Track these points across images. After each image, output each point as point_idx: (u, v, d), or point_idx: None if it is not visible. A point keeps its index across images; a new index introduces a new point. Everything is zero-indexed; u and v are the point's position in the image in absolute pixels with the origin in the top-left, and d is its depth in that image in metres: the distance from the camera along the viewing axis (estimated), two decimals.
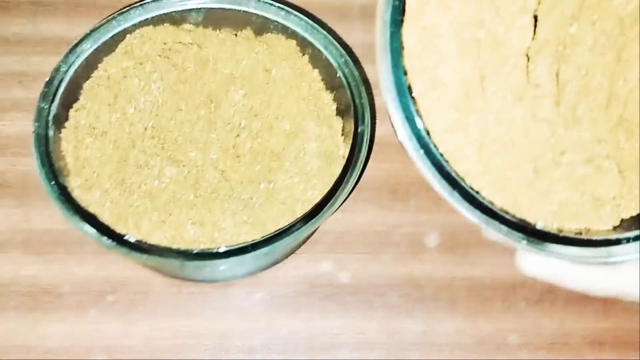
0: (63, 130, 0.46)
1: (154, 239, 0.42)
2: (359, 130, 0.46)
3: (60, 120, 0.46)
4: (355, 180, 0.45)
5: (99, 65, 0.48)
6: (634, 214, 0.34)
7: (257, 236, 0.42)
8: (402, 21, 0.32)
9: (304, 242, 0.51)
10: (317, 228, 0.51)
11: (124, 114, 0.46)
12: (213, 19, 0.51)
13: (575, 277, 0.35)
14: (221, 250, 0.41)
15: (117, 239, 0.41)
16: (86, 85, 0.48)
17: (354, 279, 0.51)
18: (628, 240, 0.33)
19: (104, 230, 0.41)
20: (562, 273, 0.35)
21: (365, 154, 0.46)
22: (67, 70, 0.46)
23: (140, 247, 0.41)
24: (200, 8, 0.51)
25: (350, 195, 0.54)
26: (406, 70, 0.32)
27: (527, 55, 0.34)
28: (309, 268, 0.51)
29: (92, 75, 0.48)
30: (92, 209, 0.43)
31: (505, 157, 0.33)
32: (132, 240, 0.41)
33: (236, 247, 0.41)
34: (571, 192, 0.34)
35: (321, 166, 0.46)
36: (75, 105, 0.47)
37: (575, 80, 0.35)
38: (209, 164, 0.45)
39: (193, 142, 0.47)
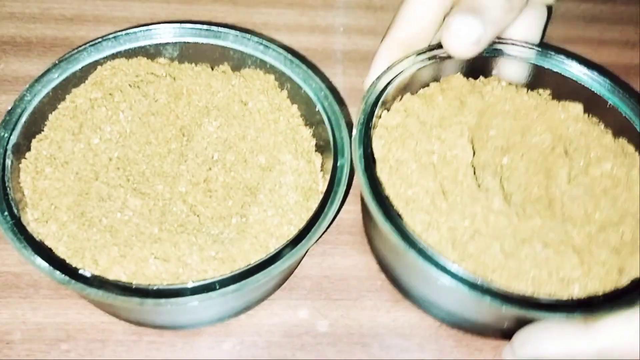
0: (23, 161, 0.43)
1: (112, 275, 0.38)
2: (338, 164, 0.44)
3: (21, 150, 0.43)
4: (333, 215, 0.42)
5: (67, 96, 0.46)
6: (600, 291, 0.40)
7: (226, 273, 0.39)
8: (374, 164, 0.44)
9: (279, 284, 0.47)
10: (294, 268, 0.48)
11: (88, 144, 0.43)
12: (189, 53, 0.50)
13: (556, 344, 0.40)
14: (185, 286, 0.37)
15: (72, 273, 0.37)
16: (51, 116, 0.45)
17: (333, 327, 0.47)
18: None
19: (58, 264, 0.38)
20: (545, 345, 0.40)
21: (344, 188, 0.43)
22: (31, 100, 0.44)
23: (95, 283, 0.37)
24: (175, 42, 0.49)
25: (331, 239, 0.51)
26: (387, 196, 0.42)
27: (473, 168, 0.45)
28: (285, 316, 0.47)
29: (58, 106, 0.45)
30: (47, 242, 0.40)
31: (476, 245, 0.41)
32: (87, 274, 0.37)
33: (202, 283, 0.37)
34: (540, 270, 0.40)
35: (298, 201, 0.43)
36: (38, 136, 0.44)
37: (518, 193, 0.45)
38: (177, 197, 0.43)
39: (161, 176, 0.44)
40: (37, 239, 0.39)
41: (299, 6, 0.67)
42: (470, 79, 0.52)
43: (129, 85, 0.46)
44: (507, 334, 0.46)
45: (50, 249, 0.39)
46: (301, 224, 0.42)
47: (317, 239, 0.40)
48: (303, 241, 0.40)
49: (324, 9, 0.67)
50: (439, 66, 0.51)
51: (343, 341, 0.46)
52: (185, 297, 0.37)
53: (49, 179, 0.41)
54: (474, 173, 0.45)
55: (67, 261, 0.38)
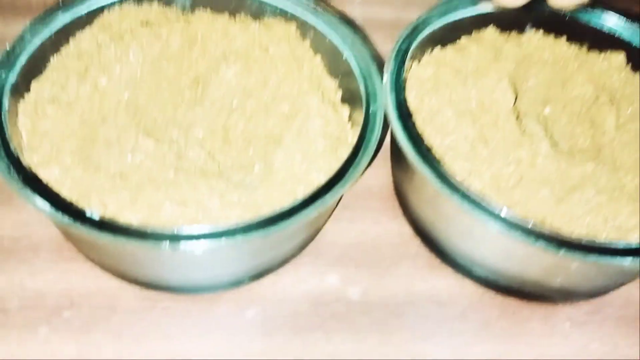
0: (21, 102, 0.38)
1: (122, 220, 0.34)
2: (371, 110, 0.40)
3: (20, 91, 0.38)
4: (367, 163, 0.37)
5: (71, 39, 0.42)
6: None
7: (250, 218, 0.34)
8: (410, 116, 0.40)
9: (303, 244, 0.42)
10: (320, 226, 0.43)
11: (94, 85, 0.39)
12: (202, 3, 0.46)
13: None
14: (205, 229, 0.33)
15: (77, 215, 0.33)
16: (54, 59, 0.41)
17: (365, 295, 0.42)
18: None
19: (61, 205, 0.33)
20: None
21: (379, 135, 0.39)
22: (31, 40, 0.40)
23: (103, 225, 0.32)
24: None
25: (358, 205, 0.47)
26: (429, 148, 0.38)
27: (515, 114, 0.42)
28: (311, 282, 0.42)
29: (61, 49, 0.41)
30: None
31: (523, 191, 0.38)
32: (95, 216, 0.33)
33: (225, 227, 0.33)
34: (594, 217, 0.37)
35: (326, 149, 0.39)
36: (39, 77, 0.40)
37: (563, 142, 0.42)
38: (193, 142, 0.38)
39: (175, 122, 0.40)
40: (36, 177, 0.35)
41: None
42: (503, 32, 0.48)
43: (141, 24, 0.41)
44: (557, 296, 0.42)
45: (50, 190, 0.34)
46: (331, 172, 0.38)
47: (351, 185, 0.36)
48: (336, 187, 0.36)
49: None
50: (470, 20, 0.47)
51: (377, 310, 0.42)
52: (206, 240, 0.32)
53: (51, 119, 0.37)
54: (517, 119, 0.41)
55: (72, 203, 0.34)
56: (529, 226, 0.35)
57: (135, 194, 0.35)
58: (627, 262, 0.34)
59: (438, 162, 0.37)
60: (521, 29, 0.48)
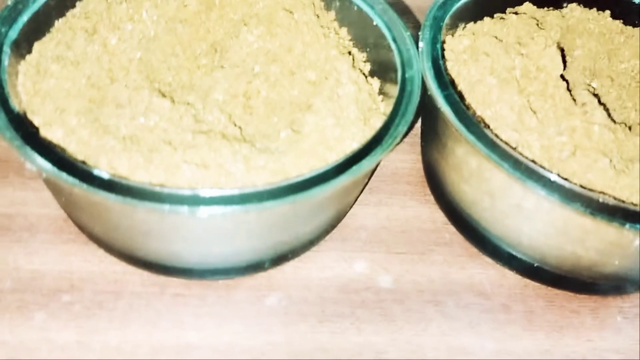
0: (22, 63, 0.35)
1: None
2: (407, 75, 0.36)
3: (20, 49, 0.35)
4: (405, 130, 0.34)
5: (77, 3, 0.38)
6: None
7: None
8: (451, 83, 0.37)
9: (329, 227, 0.38)
10: (347, 208, 0.39)
11: (103, 45, 0.36)
12: None
13: None
14: (230, 192, 0.29)
15: (83, 175, 0.29)
16: (58, 22, 0.37)
17: (398, 283, 0.38)
18: None
19: (65, 165, 0.29)
20: None
21: (417, 101, 0.35)
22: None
23: (112, 185, 0.28)
24: None
25: (386, 188, 0.43)
26: (474, 114, 0.35)
27: (565, 79, 0.38)
28: (338, 269, 0.38)
29: (67, 13, 0.38)
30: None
31: (579, 162, 0.34)
32: (105, 175, 0.29)
33: (252, 190, 0.29)
34: None
35: (359, 117, 0.35)
36: (42, 39, 0.36)
37: (615, 115, 0.39)
38: (212, 105, 0.34)
39: (191, 88, 0.36)
40: (36, 134, 0.31)
41: None
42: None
43: None
44: (608, 286, 0.38)
45: (56, 150, 0.30)
46: (364, 141, 0.34)
47: (384, 154, 0.32)
48: (374, 151, 0.32)
49: None
50: None
51: (411, 299, 0.37)
52: (230, 205, 0.28)
53: (55, 78, 0.33)
54: (567, 84, 0.38)
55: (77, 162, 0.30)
56: (591, 196, 0.31)
57: (149, 157, 0.31)
58: None
59: (485, 129, 0.34)
60: (558, 6, 0.45)
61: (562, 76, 0.39)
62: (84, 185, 0.28)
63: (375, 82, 0.39)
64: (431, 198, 0.42)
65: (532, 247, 0.36)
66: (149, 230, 0.32)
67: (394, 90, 0.37)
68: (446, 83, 0.36)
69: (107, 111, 0.33)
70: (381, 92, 0.39)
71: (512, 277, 0.39)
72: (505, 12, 0.44)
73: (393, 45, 0.38)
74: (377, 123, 0.35)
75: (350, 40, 0.41)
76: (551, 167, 0.34)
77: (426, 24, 0.39)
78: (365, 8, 0.40)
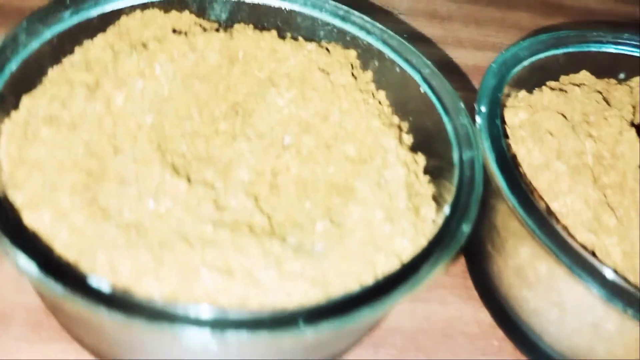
0: (6, 120, 0.29)
1: (140, 291, 0.24)
2: (464, 156, 0.31)
3: (5, 104, 0.29)
4: (468, 231, 0.28)
5: (77, 48, 0.32)
6: None
7: (319, 298, 0.25)
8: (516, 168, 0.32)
9: (367, 331, 0.33)
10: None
11: (107, 104, 0.29)
12: (242, 17, 0.37)
13: None
14: (264, 314, 0.23)
15: (76, 282, 0.23)
16: (52, 71, 0.31)
17: None
18: None
19: (54, 267, 0.23)
20: None
21: (481, 190, 0.29)
22: (27, 43, 0.30)
23: (113, 300, 0.22)
24: (226, 0, 0.37)
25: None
26: (538, 207, 0.30)
27: None
28: None
29: (63, 60, 0.32)
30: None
31: None
32: (104, 285, 0.23)
33: (290, 312, 0.23)
34: None
35: (409, 207, 0.30)
36: (32, 92, 0.30)
37: None
38: (236, 186, 0.28)
39: (209, 162, 0.30)
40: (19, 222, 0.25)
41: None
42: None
43: (173, 30, 0.32)
44: None
45: (43, 246, 0.24)
46: (418, 237, 0.28)
47: (447, 265, 0.27)
48: (432, 261, 0.26)
49: (384, 15, 0.56)
50: (560, 60, 0.39)
51: None
52: (266, 330, 0.22)
53: (45, 145, 0.27)
54: None
55: (70, 265, 0.24)
56: None
57: (159, 255, 0.25)
58: None
59: (561, 230, 0.28)
60: (615, 75, 0.41)
61: None
62: (78, 299, 0.22)
63: (421, 159, 0.33)
64: (474, 293, 0.37)
65: None
66: (155, 349, 0.25)
67: (442, 169, 0.32)
68: (511, 169, 0.30)
69: (108, 189, 0.27)
70: (427, 170, 0.33)
71: None
72: (558, 80, 0.39)
73: (445, 119, 0.33)
74: (429, 213, 0.30)
75: (390, 105, 0.36)
76: (636, 280, 0.28)
77: (482, 95, 0.34)
78: (410, 71, 0.35)
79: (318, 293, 0.25)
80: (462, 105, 0.33)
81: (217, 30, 0.34)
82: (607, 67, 0.40)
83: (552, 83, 0.39)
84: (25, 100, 0.29)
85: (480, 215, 0.35)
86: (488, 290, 0.35)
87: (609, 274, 0.27)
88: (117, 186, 0.27)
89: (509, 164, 0.31)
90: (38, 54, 0.31)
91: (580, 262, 0.27)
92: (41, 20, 0.31)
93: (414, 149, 0.34)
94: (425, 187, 0.32)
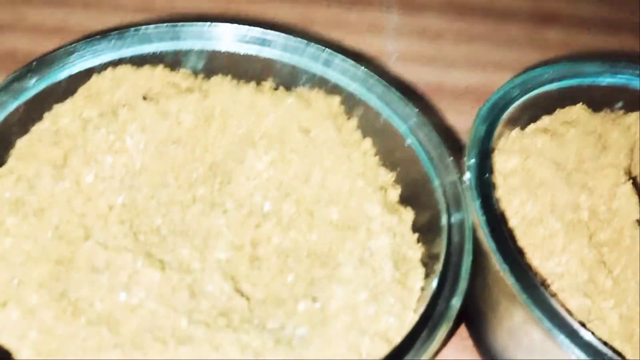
0: None
1: None
2: (452, 220, 0.29)
3: None
4: (460, 303, 0.27)
5: (45, 114, 0.31)
6: None
7: None
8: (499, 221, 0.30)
9: None
10: None
11: (76, 183, 0.28)
12: (219, 66, 0.35)
13: None
14: None
15: None
16: (20, 142, 0.30)
17: None
18: None
19: None
20: None
21: (471, 258, 0.28)
22: None
23: None
24: (201, 50, 0.35)
25: None
26: (525, 268, 0.28)
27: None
28: None
29: (31, 129, 0.30)
30: (4, 340, 0.24)
31: None
32: None
33: None
34: None
35: (395, 277, 0.28)
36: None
37: None
38: (212, 268, 0.27)
39: (185, 235, 0.29)
40: None
41: (339, 28, 0.54)
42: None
43: (143, 97, 0.31)
44: None
45: (7, 352, 0.23)
46: (406, 312, 0.27)
47: (438, 344, 0.25)
48: (419, 343, 0.25)
49: (371, 34, 0.54)
50: (554, 95, 0.38)
51: None
52: None
53: (11, 236, 0.26)
54: None
55: None
56: None
57: (131, 355, 0.23)
58: None
59: (548, 297, 0.27)
60: (612, 106, 0.39)
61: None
62: None
63: (409, 215, 0.32)
64: (469, 343, 0.36)
65: None
66: None
67: (431, 224, 0.31)
68: (502, 233, 0.29)
69: (78, 279, 0.26)
70: (416, 225, 0.32)
71: None
72: (553, 113, 0.38)
73: (432, 175, 0.31)
74: (417, 282, 0.29)
75: (377, 154, 0.34)
76: (635, 348, 0.27)
77: (472, 146, 0.32)
78: (396, 121, 0.33)
79: None
80: (450, 160, 0.32)
81: (192, 88, 0.33)
82: (604, 98, 0.39)
83: (546, 119, 0.37)
84: None
85: (474, 269, 0.34)
86: (483, 345, 0.34)
87: (598, 345, 0.26)
88: (88, 275, 0.26)
89: (499, 226, 0.29)
90: (4, 126, 0.29)
91: (569, 333, 0.26)
92: (5, 89, 0.30)
93: (402, 201, 0.33)
94: (414, 248, 0.31)
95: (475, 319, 0.34)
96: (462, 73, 0.51)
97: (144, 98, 0.31)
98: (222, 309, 0.26)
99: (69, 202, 0.28)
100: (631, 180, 0.33)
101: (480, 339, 0.34)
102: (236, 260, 0.28)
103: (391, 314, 0.27)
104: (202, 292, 0.26)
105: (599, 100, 0.39)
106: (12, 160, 0.29)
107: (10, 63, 0.44)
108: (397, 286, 0.28)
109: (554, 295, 0.29)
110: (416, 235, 0.31)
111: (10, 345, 0.24)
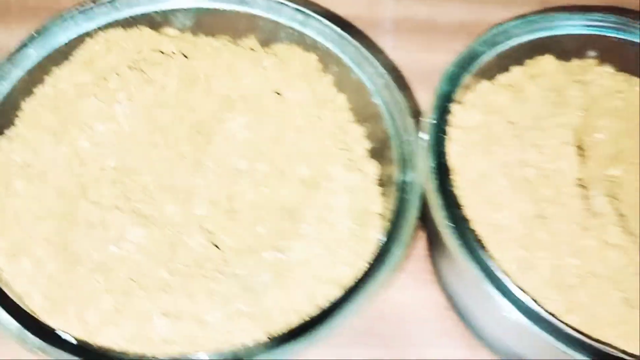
0: None
1: (103, 338, 0.28)
2: (407, 179, 0.33)
3: None
4: (403, 253, 0.31)
5: (46, 78, 0.35)
6: None
7: (260, 335, 0.28)
8: (449, 174, 0.33)
9: None
10: None
11: (73, 147, 0.32)
12: (206, 23, 0.38)
13: None
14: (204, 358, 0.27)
15: (49, 336, 0.27)
16: (26, 104, 0.34)
17: None
18: None
19: (31, 322, 0.27)
20: None
21: (417, 213, 0.32)
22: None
23: (80, 352, 0.27)
24: (189, 8, 0.38)
25: None
26: (467, 220, 0.32)
27: (580, 185, 0.34)
28: None
29: (35, 91, 0.34)
30: (17, 287, 0.29)
31: (589, 291, 0.31)
32: (70, 340, 0.27)
33: (230, 355, 0.27)
34: None
35: (353, 230, 0.32)
36: (8, 133, 0.33)
37: (634, 215, 0.34)
38: (192, 223, 0.32)
39: (171, 192, 0.33)
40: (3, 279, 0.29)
41: None
42: (562, 61, 0.40)
43: (129, 67, 0.34)
44: None
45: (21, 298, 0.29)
46: (358, 261, 0.31)
47: (384, 286, 0.30)
48: (364, 290, 0.29)
49: None
50: (524, 47, 0.39)
51: None
52: None
53: (20, 197, 0.31)
54: (583, 191, 0.34)
55: (45, 316, 0.28)
56: (593, 345, 0.29)
57: (120, 302, 0.29)
58: None
59: (484, 250, 0.31)
60: (582, 56, 0.41)
61: (581, 168, 0.35)
62: (51, 351, 0.26)
63: (373, 167, 0.35)
64: (434, 278, 0.40)
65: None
66: None
67: (390, 180, 0.34)
68: (449, 187, 0.32)
69: (76, 233, 0.31)
70: (381, 180, 0.35)
71: None
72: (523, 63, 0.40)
73: (392, 135, 0.34)
74: (373, 233, 0.33)
75: (350, 109, 0.37)
76: (561, 295, 0.31)
77: (433, 104, 0.35)
78: (365, 80, 0.36)
79: (259, 329, 0.29)
80: (410, 120, 0.34)
81: (176, 53, 0.36)
82: (577, 49, 0.40)
83: (516, 71, 0.39)
84: (2, 142, 0.33)
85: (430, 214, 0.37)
86: (442, 277, 0.38)
87: (525, 296, 0.30)
88: (85, 230, 0.31)
89: (445, 182, 0.32)
90: (12, 92, 0.33)
91: (496, 281, 0.30)
92: (10, 60, 0.34)
93: (373, 154, 0.36)
94: (376, 202, 0.34)
95: (435, 258, 0.39)
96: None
97: (130, 68, 0.34)
98: (198, 259, 0.31)
99: (67, 165, 0.32)
100: (574, 140, 0.35)
101: (440, 277, 0.39)
102: (213, 215, 0.32)
103: (345, 264, 0.31)
104: (181, 244, 0.31)
105: (571, 50, 0.40)
106: (19, 124, 0.33)
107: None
108: (353, 239, 0.32)
109: (494, 247, 0.32)
110: (380, 189, 0.35)
111: (22, 290, 0.29)
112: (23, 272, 0.29)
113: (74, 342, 0.27)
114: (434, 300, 0.39)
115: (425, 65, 0.43)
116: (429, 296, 0.39)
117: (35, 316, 0.28)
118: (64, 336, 0.27)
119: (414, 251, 0.41)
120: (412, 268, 0.40)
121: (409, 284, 0.40)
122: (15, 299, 0.28)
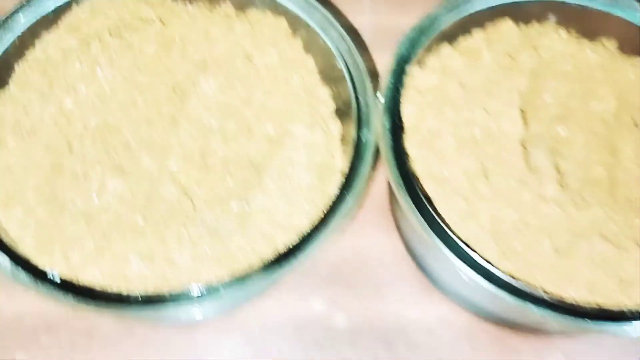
0: None
1: (86, 275, 0.32)
2: (362, 138, 0.36)
3: None
4: (355, 203, 0.34)
5: (37, 42, 0.38)
6: None
7: (223, 274, 0.32)
8: (402, 132, 0.36)
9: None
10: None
11: (60, 107, 0.36)
12: None
13: None
14: (169, 293, 0.31)
15: (38, 274, 0.31)
16: (18, 67, 0.37)
17: (352, 322, 0.41)
18: None
19: (23, 262, 0.31)
20: None
21: (369, 168, 0.35)
22: None
23: (65, 287, 0.31)
24: None
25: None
26: (417, 176, 0.35)
27: (522, 145, 0.37)
28: (296, 308, 0.41)
29: (26, 54, 0.38)
30: (11, 231, 0.33)
31: (523, 240, 0.34)
32: (56, 277, 0.31)
33: (189, 291, 0.31)
34: (596, 272, 0.34)
35: (312, 183, 0.36)
36: (2, 93, 0.37)
37: (576, 172, 0.37)
38: (166, 176, 0.35)
39: (148, 147, 0.36)
40: None
41: None
42: (521, 25, 0.42)
43: (109, 34, 0.37)
44: (551, 332, 0.40)
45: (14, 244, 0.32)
46: (316, 212, 0.35)
47: (337, 233, 0.33)
48: (318, 237, 0.33)
49: None
50: (485, 12, 0.42)
51: (364, 338, 0.40)
52: (171, 306, 0.31)
53: (12, 154, 0.34)
54: (524, 150, 0.37)
55: (34, 257, 0.32)
56: (521, 288, 0.32)
57: (100, 244, 0.32)
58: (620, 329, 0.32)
59: (430, 202, 0.34)
60: (543, 20, 0.43)
61: (526, 129, 0.38)
62: (40, 287, 0.30)
63: (337, 126, 0.39)
64: (393, 226, 0.43)
65: (474, 304, 0.38)
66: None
67: (353, 135, 0.37)
68: (401, 145, 0.36)
69: (63, 184, 0.34)
70: (343, 138, 0.39)
71: (462, 314, 0.41)
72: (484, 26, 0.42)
73: (352, 96, 0.37)
74: (331, 187, 0.36)
75: (319, 72, 0.40)
76: (497, 243, 0.35)
77: (391, 68, 0.38)
78: (330, 45, 0.39)
79: (223, 270, 0.33)
80: (368, 84, 0.37)
81: (154, 19, 0.39)
82: (538, 14, 0.43)
83: (477, 35, 0.41)
84: None
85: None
86: (399, 227, 0.42)
87: (462, 244, 0.33)
88: (70, 182, 0.34)
89: (398, 139, 0.36)
90: (5, 56, 0.37)
91: (439, 230, 0.33)
92: (3, 25, 0.37)
93: (338, 115, 0.39)
94: (336, 156, 0.38)
95: (394, 210, 0.42)
96: None
97: (111, 34, 0.37)
98: (171, 208, 0.34)
99: (56, 123, 0.35)
100: (520, 103, 0.38)
101: (398, 226, 0.42)
102: (187, 169, 0.36)
103: (303, 214, 0.35)
104: (156, 195, 0.35)
105: (531, 14, 0.42)
106: (11, 85, 0.37)
107: None
108: (312, 191, 0.35)
109: (438, 200, 0.35)
110: (343, 147, 0.38)
111: (15, 235, 0.33)
112: (15, 218, 0.33)
113: (59, 280, 0.31)
114: (393, 247, 0.43)
115: (396, 28, 0.46)
116: (389, 243, 0.43)
117: (27, 258, 0.32)
118: (51, 274, 0.31)
119: (378, 203, 0.44)
120: (376, 218, 0.44)
121: (371, 232, 0.43)
122: (9, 243, 0.32)
